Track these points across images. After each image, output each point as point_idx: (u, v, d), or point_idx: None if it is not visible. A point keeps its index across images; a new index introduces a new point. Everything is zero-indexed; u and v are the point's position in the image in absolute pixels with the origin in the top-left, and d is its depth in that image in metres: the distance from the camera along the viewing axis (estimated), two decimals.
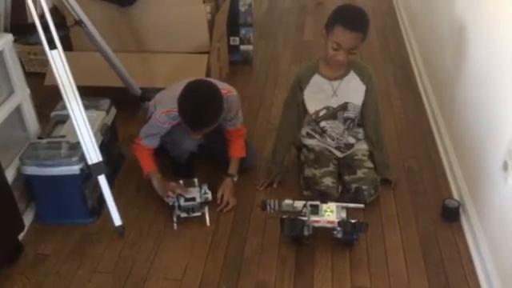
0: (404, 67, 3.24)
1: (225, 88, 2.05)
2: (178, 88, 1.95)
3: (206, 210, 2.03)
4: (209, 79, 2.00)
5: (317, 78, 2.08)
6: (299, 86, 2.11)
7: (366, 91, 2.08)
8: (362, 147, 2.18)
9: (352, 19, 1.93)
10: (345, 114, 2.12)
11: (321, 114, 2.13)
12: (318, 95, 2.10)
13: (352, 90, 2.08)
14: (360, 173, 2.08)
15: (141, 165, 2.12)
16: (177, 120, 1.99)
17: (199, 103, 1.88)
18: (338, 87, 2.07)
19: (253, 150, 2.32)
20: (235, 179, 2.16)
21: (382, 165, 2.18)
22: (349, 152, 2.18)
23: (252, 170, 2.31)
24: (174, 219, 2.01)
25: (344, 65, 2.02)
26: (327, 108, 2.11)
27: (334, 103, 2.10)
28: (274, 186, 2.20)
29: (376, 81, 2.13)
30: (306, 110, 2.15)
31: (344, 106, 2.10)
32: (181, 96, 1.90)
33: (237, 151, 2.18)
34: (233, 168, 2.16)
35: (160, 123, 2.02)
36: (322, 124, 2.15)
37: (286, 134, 2.21)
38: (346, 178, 2.10)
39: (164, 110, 2.01)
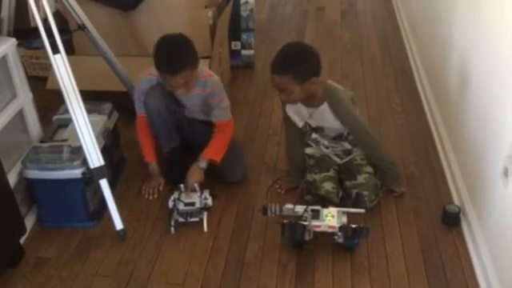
0: (405, 73, 3.24)
1: (207, 71, 2.14)
2: None
3: (205, 215, 2.03)
4: None
5: None
6: (282, 103, 2.12)
7: (344, 124, 2.05)
8: (360, 152, 2.17)
9: (276, 61, 1.93)
10: (324, 133, 2.12)
11: (305, 128, 2.13)
12: (297, 113, 2.10)
13: (326, 119, 2.05)
14: (361, 178, 2.07)
15: (141, 148, 2.23)
16: (154, 82, 2.09)
17: (172, 44, 1.99)
18: (312, 113, 2.05)
19: (242, 165, 2.29)
20: (201, 165, 2.12)
21: (390, 179, 2.17)
22: (348, 158, 2.18)
23: (253, 174, 2.31)
24: (172, 223, 2.01)
25: (295, 102, 2.00)
26: (308, 124, 2.11)
27: (312, 123, 2.10)
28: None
29: (352, 117, 2.06)
30: None
31: (321, 128, 2.10)
32: (155, 46, 1.99)
33: (210, 152, 2.14)
34: (203, 156, 2.14)
35: (140, 84, 2.14)
36: (314, 136, 2.16)
37: (291, 146, 2.22)
38: (347, 183, 2.10)
39: (144, 73, 2.12)
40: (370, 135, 2.11)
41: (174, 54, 1.96)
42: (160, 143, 2.22)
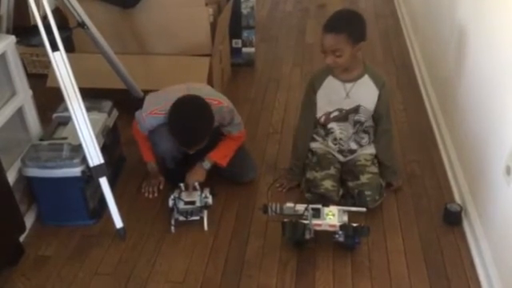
0: (406, 70, 3.23)
1: (215, 99, 2.05)
2: (167, 91, 1.99)
3: (205, 214, 2.02)
4: (197, 95, 1.98)
5: (330, 80, 2.08)
6: (313, 89, 2.12)
7: (379, 97, 2.08)
8: (364, 152, 2.16)
9: (330, 21, 1.98)
10: (356, 117, 2.11)
11: (332, 115, 2.12)
12: (331, 97, 2.10)
13: (365, 94, 2.08)
14: (364, 178, 2.06)
15: (140, 148, 2.20)
16: (161, 122, 2.01)
17: (187, 125, 1.92)
18: (350, 90, 2.07)
19: (252, 164, 2.28)
20: (205, 166, 2.13)
21: (389, 171, 2.18)
22: (351, 157, 2.17)
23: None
24: (172, 222, 2.00)
25: (342, 67, 2.01)
26: (340, 110, 2.11)
27: (347, 105, 2.10)
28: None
29: (389, 91, 2.14)
30: None
31: (356, 109, 2.10)
32: (169, 117, 1.94)
33: (217, 155, 2.13)
34: (209, 157, 2.13)
35: (145, 123, 2.06)
36: (331, 125, 2.15)
37: (305, 136, 2.21)
38: (350, 183, 2.09)
39: (150, 111, 2.03)
40: (392, 120, 2.22)
41: (191, 132, 1.92)
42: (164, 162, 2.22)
